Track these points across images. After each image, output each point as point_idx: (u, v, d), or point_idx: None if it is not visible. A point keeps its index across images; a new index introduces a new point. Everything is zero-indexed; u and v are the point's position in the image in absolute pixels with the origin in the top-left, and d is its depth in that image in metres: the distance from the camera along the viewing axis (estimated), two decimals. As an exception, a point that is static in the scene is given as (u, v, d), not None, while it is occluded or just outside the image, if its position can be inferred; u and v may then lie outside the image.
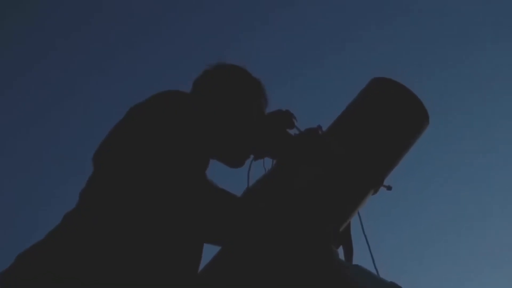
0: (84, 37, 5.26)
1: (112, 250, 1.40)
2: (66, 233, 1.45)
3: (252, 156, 1.79)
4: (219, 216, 1.48)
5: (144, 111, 1.55)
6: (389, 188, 1.77)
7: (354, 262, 1.72)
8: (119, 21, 5.35)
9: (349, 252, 1.73)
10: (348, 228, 1.76)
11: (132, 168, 1.47)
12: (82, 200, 1.53)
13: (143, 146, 1.47)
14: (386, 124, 1.78)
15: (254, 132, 1.76)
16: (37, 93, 5.25)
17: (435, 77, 5.09)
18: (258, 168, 1.77)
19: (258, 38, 5.30)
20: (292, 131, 1.78)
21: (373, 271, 1.70)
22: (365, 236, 1.79)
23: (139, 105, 1.57)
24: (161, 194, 1.45)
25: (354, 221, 1.77)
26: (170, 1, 5.38)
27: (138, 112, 1.55)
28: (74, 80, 5.21)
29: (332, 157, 1.68)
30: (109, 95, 5.23)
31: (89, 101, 5.21)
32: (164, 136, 1.48)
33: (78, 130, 5.14)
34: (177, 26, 5.34)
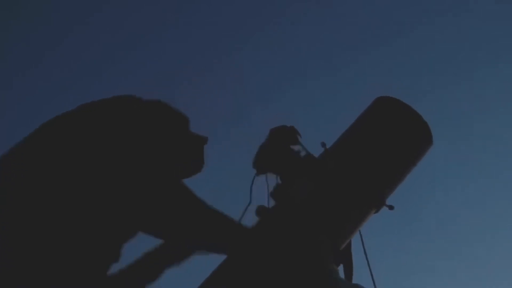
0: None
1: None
2: None
3: (255, 172, 1.80)
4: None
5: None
6: (391, 207, 1.77)
7: (354, 280, 1.72)
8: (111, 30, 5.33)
9: (349, 271, 1.74)
10: (348, 246, 1.76)
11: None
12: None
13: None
14: (389, 143, 1.78)
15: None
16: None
17: (440, 96, 5.10)
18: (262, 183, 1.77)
19: (265, 52, 5.31)
20: (296, 147, 1.79)
21: (373, 290, 1.70)
22: (365, 255, 1.79)
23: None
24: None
25: (354, 239, 1.78)
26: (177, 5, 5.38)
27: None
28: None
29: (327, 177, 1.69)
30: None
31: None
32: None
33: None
34: (180, 29, 5.34)
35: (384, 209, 1.77)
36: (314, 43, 5.27)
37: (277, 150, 1.77)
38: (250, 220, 1.69)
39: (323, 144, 1.77)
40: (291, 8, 5.25)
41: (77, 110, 1.61)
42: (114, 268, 1.57)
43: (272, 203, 1.73)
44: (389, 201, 1.77)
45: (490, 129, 5.13)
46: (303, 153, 1.78)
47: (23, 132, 1.56)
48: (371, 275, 1.76)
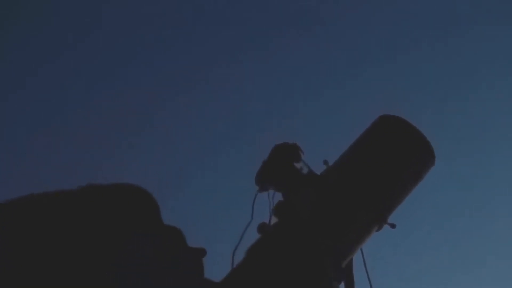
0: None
1: None
2: None
3: (257, 188, 1.80)
4: None
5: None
6: (393, 226, 1.77)
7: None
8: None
9: (350, 289, 1.74)
10: (350, 264, 1.76)
11: None
12: None
13: None
14: (391, 162, 1.79)
15: None
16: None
17: (447, 116, 5.11)
18: (263, 201, 1.78)
19: (266, 68, 5.33)
20: (298, 165, 1.80)
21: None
22: (367, 272, 1.79)
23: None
24: None
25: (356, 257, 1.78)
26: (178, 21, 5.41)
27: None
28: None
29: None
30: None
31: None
32: None
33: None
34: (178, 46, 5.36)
35: (386, 227, 1.78)
36: (318, 58, 5.29)
37: (279, 167, 1.78)
38: (251, 237, 1.70)
39: (326, 162, 1.78)
40: (297, 22, 5.28)
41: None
42: None
43: (274, 220, 1.74)
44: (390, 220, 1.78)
45: (497, 144, 5.14)
46: (305, 171, 1.79)
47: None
48: (372, 293, 1.77)
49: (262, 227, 1.71)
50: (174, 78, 5.26)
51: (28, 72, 5.20)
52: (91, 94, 5.29)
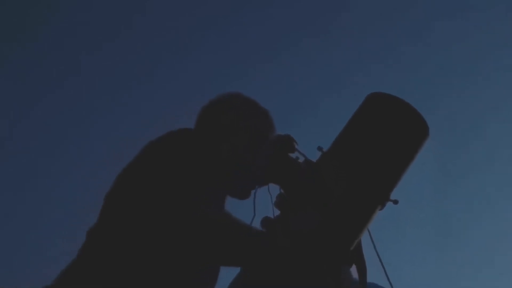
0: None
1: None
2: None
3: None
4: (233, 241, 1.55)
5: (156, 151, 1.65)
6: (395, 202, 1.77)
7: (369, 279, 1.72)
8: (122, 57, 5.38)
9: (362, 270, 1.74)
10: (359, 246, 1.76)
11: (140, 205, 1.54)
12: (91, 236, 1.62)
13: (153, 184, 1.56)
14: (386, 138, 1.78)
15: (256, 165, 1.84)
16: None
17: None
18: (264, 196, 1.78)
19: (260, 68, 5.35)
20: (294, 155, 1.80)
21: (388, 287, 1.71)
22: (376, 252, 1.79)
23: (152, 144, 1.67)
24: (166, 227, 1.52)
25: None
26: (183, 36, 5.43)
27: (151, 151, 1.66)
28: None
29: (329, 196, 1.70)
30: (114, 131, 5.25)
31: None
32: (173, 174, 1.57)
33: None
34: (187, 60, 5.39)
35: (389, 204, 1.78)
36: (306, 46, 5.29)
37: (275, 160, 1.78)
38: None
39: (320, 148, 1.78)
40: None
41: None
42: None
43: (276, 212, 1.74)
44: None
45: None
46: (301, 159, 1.79)
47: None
48: (385, 271, 1.77)
49: (265, 221, 1.72)
50: (173, 81, 5.27)
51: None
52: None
